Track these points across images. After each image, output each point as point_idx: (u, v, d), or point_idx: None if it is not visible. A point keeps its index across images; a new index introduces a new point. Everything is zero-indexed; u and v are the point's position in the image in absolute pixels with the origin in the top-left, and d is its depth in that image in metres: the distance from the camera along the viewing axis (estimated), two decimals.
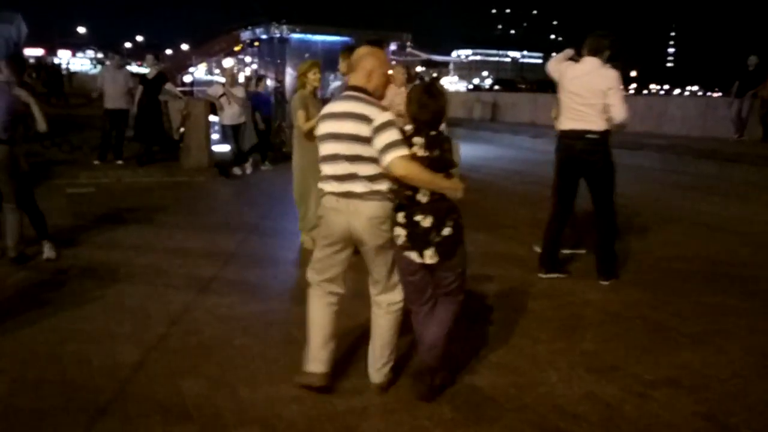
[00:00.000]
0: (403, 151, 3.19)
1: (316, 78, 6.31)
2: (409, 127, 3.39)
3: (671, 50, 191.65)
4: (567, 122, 5.68)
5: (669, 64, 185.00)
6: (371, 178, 3.28)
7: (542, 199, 7.82)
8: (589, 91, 5.48)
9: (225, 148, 11.84)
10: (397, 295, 3.57)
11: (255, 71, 15.16)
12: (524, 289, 5.53)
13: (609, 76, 5.47)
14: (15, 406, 3.35)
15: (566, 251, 6.50)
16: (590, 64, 5.61)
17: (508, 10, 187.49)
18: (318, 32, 15.11)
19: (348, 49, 5.91)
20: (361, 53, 3.47)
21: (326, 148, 3.40)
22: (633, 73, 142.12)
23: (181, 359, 3.96)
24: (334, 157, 3.34)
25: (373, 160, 3.26)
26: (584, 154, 5.59)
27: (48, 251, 5.97)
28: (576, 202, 5.95)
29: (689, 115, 17.67)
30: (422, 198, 3.33)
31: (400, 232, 3.36)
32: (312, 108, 6.12)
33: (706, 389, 3.78)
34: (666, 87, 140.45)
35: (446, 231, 3.34)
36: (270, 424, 3.25)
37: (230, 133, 11.21)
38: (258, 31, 15.87)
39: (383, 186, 3.31)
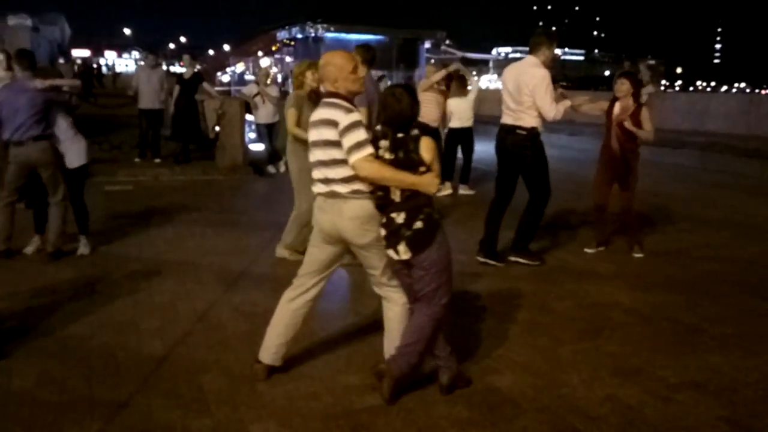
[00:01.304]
0: (366, 152, 3.30)
1: (315, 79, 5.99)
2: (378, 128, 3.47)
3: (718, 46, 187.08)
4: (503, 117, 5.99)
5: (716, 61, 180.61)
6: (349, 180, 3.39)
7: (575, 197, 7.73)
8: (517, 89, 5.75)
9: (260, 147, 11.96)
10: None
11: (291, 70, 15.29)
12: (550, 288, 5.47)
13: (535, 74, 5.69)
14: (39, 398, 3.44)
15: (590, 250, 6.59)
16: (524, 62, 5.93)
17: (549, 7, 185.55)
18: (352, 31, 15.21)
19: (360, 47, 5.91)
20: (321, 63, 3.57)
21: (312, 155, 3.55)
22: (678, 70, 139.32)
23: (205, 354, 4.03)
24: (317, 163, 3.50)
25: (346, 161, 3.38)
26: (513, 149, 5.88)
27: (83, 247, 6.12)
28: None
29: (732, 113, 17.23)
30: (396, 196, 3.39)
31: (381, 232, 3.44)
32: (307, 110, 5.83)
33: (733, 393, 3.69)
34: (713, 84, 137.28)
35: (417, 225, 3.37)
36: (286, 419, 3.28)
37: (265, 131, 11.33)
38: (294, 30, 16.04)
39: (362, 186, 3.40)
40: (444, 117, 9.83)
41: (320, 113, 3.48)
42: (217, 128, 11.74)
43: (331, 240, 3.56)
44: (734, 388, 3.75)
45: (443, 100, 9.73)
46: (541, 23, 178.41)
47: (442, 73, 9.58)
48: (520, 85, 5.73)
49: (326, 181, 3.45)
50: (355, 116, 3.36)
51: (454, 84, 9.86)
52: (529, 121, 5.77)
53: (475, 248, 6.22)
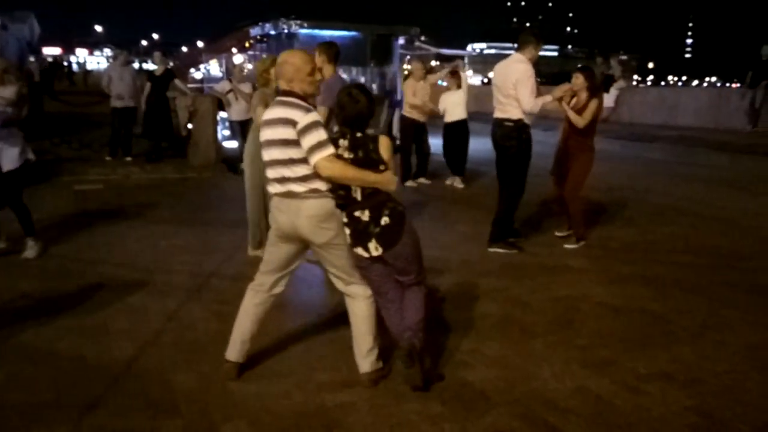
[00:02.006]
0: (327, 152, 3.32)
1: None
2: (336, 129, 3.50)
3: (689, 41, 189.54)
4: (495, 112, 6.27)
5: (687, 56, 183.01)
6: (306, 178, 3.38)
7: (545, 192, 7.78)
8: (504, 83, 6.07)
9: (233, 144, 11.87)
10: (368, 290, 3.66)
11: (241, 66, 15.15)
12: (522, 282, 5.50)
13: (519, 69, 6.02)
14: (7, 401, 3.38)
15: (562, 234, 6.91)
16: (511, 59, 6.23)
17: (523, 3, 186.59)
18: (325, 27, 15.06)
19: (324, 44, 5.85)
20: (279, 61, 3.56)
21: (266, 154, 3.52)
22: (650, 65, 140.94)
23: (175, 355, 3.98)
24: (272, 162, 3.48)
25: (306, 161, 3.37)
26: (502, 140, 6.18)
27: (29, 250, 5.92)
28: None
29: (702, 107, 17.45)
30: (357, 195, 3.41)
31: (347, 231, 3.46)
32: None
33: (702, 383, 3.74)
34: (684, 78, 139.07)
35: (384, 220, 3.40)
36: (258, 419, 3.26)
37: (238, 128, 11.23)
38: (267, 27, 15.83)
39: (321, 185, 3.40)
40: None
41: (276, 112, 3.46)
42: (190, 126, 11.64)
43: (289, 239, 3.55)
44: (703, 378, 3.80)
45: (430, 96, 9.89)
46: (515, 19, 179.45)
47: (443, 73, 10.16)
48: (507, 79, 6.04)
49: (282, 180, 3.43)
50: (314, 116, 3.37)
51: (450, 79, 10.10)
52: (516, 113, 6.05)
53: (450, 244, 6.26)
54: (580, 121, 6.29)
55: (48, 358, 3.90)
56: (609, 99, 16.71)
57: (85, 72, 44.74)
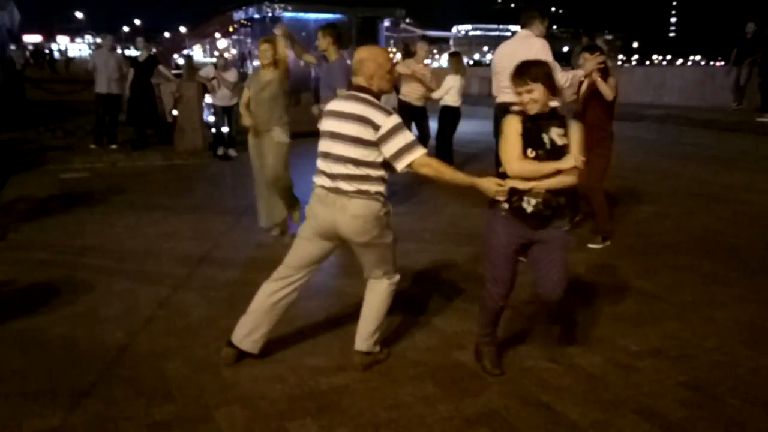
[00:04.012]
0: (419, 152, 3.29)
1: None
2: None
3: (673, 20, 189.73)
4: (500, 96, 5.79)
5: (671, 35, 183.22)
6: (360, 179, 3.32)
7: None
8: (515, 62, 5.45)
9: (224, 129, 11.76)
10: (396, 276, 3.67)
11: (242, 53, 15.01)
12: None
13: (534, 44, 5.48)
14: (0, 390, 3.36)
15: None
16: (518, 36, 5.74)
17: None
18: (310, 10, 14.95)
19: (328, 27, 5.81)
20: (360, 57, 3.45)
21: (324, 145, 3.44)
22: (635, 45, 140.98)
23: (167, 341, 3.97)
24: (329, 155, 3.39)
25: (367, 164, 3.31)
26: None
27: None
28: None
29: (687, 85, 17.54)
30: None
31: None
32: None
33: (693, 359, 3.77)
34: (669, 57, 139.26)
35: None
36: (252, 403, 3.25)
37: (221, 113, 11.13)
38: (250, 10, 15.71)
39: (371, 187, 3.34)
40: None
41: (348, 106, 3.37)
42: (175, 112, 11.53)
43: (327, 235, 3.48)
44: (694, 354, 3.84)
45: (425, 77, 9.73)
46: (500, 0, 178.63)
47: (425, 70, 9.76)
48: (520, 58, 5.48)
49: (334, 176, 3.36)
50: (396, 118, 3.30)
51: (453, 61, 9.99)
52: None
53: (440, 226, 6.22)
54: (609, 93, 5.74)
55: (39, 346, 3.87)
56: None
57: (67, 59, 44.26)
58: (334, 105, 3.48)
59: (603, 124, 5.85)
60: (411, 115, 9.61)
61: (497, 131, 5.60)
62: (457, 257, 5.67)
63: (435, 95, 9.69)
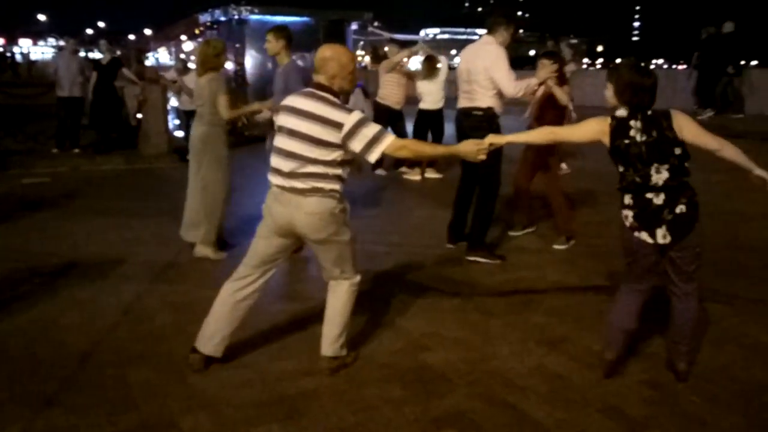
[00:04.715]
0: (389, 139, 3.29)
1: (225, 60, 5.79)
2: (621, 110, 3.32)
3: (636, 24, 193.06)
4: (460, 101, 5.78)
5: (635, 38, 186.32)
6: (316, 177, 3.31)
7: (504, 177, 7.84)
8: (473, 69, 5.55)
9: (182, 133, 11.66)
10: (356, 278, 3.65)
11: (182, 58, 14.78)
12: (481, 265, 5.56)
13: (491, 51, 5.50)
14: None
15: (516, 233, 6.55)
16: (480, 42, 5.73)
17: None
18: (277, 13, 14.86)
19: (281, 29, 5.70)
20: (324, 55, 3.42)
21: (280, 142, 3.41)
22: (600, 48, 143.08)
23: (131, 348, 3.90)
24: (284, 153, 3.36)
25: (324, 162, 3.30)
26: (471, 131, 5.48)
27: None
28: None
29: None
30: (657, 180, 3.29)
31: (629, 213, 3.35)
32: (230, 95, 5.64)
33: (654, 357, 3.84)
34: None
35: (680, 208, 3.31)
36: (217, 409, 3.22)
37: (183, 118, 11.01)
38: (216, 13, 15.58)
39: (326, 185, 3.34)
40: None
41: (306, 104, 3.34)
42: (139, 115, 11.39)
43: (283, 233, 3.46)
44: (655, 352, 3.90)
45: (406, 82, 9.64)
46: (467, 4, 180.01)
47: (404, 53, 9.55)
48: (476, 65, 5.54)
49: (288, 174, 3.33)
50: (358, 114, 3.29)
51: (424, 65, 9.64)
52: (485, 101, 5.57)
53: (408, 230, 6.25)
54: (564, 98, 5.98)
55: None
56: None
57: (29, 63, 43.39)
58: (292, 101, 3.43)
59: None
60: (389, 118, 9.52)
61: (460, 136, 5.65)
62: (424, 260, 5.69)
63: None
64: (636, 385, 3.50)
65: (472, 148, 3.46)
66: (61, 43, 16.16)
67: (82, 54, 14.22)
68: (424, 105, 9.66)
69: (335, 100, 3.35)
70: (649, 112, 3.34)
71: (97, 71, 11.43)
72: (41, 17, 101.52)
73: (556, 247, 6.06)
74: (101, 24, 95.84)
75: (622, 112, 3.36)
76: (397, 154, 3.37)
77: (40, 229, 6.60)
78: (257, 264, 3.57)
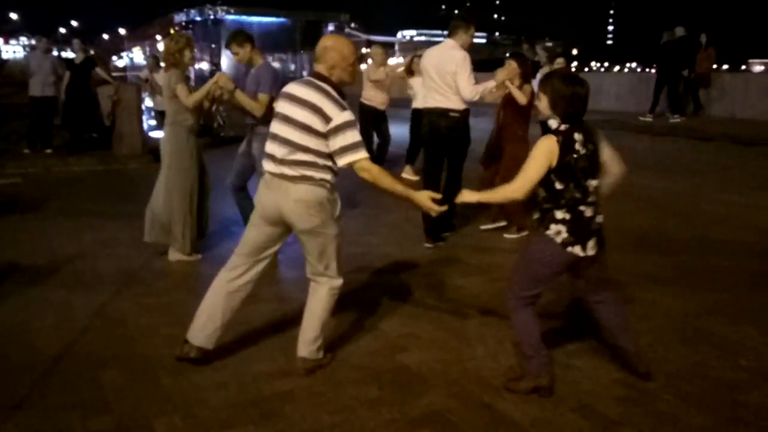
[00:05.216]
0: (361, 154, 3.30)
1: (191, 58, 5.59)
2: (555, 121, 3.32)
3: (610, 28, 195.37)
4: (430, 100, 5.97)
5: (609, 42, 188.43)
6: (306, 165, 3.32)
7: (473, 174, 7.89)
8: (442, 73, 5.79)
9: (159, 133, 11.54)
10: (338, 281, 3.63)
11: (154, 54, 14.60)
12: (456, 265, 5.58)
13: (455, 56, 5.76)
14: None
15: (487, 227, 6.67)
16: (443, 46, 5.97)
17: None
18: (254, 13, 14.82)
19: (240, 34, 5.65)
20: (325, 45, 3.43)
21: (275, 127, 3.43)
22: (574, 52, 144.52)
23: (104, 350, 3.86)
24: (278, 138, 3.39)
25: (315, 152, 3.31)
26: (448, 131, 5.91)
27: None
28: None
29: (623, 91, 18.07)
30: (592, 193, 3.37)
31: (562, 228, 3.31)
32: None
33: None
34: (606, 64, 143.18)
35: (600, 218, 3.42)
36: (192, 412, 3.19)
37: (159, 118, 10.92)
38: (192, 13, 15.49)
39: (316, 174, 3.34)
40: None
41: (304, 92, 3.36)
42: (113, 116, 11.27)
43: (272, 220, 3.46)
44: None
45: (390, 83, 9.75)
46: (443, 6, 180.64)
47: (405, 63, 9.83)
48: (443, 69, 5.76)
49: (281, 161, 3.34)
50: (350, 114, 3.29)
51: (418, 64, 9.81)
52: (460, 103, 5.83)
53: (393, 229, 6.26)
54: (522, 99, 6.20)
55: None
56: (535, 84, 17.01)
57: (0, 62, 42.66)
58: (291, 88, 3.45)
59: (516, 126, 6.42)
60: (374, 119, 9.61)
61: (435, 135, 6.02)
62: (402, 261, 5.70)
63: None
64: (610, 384, 3.54)
65: (428, 203, 3.46)
66: (33, 42, 15.92)
67: (55, 53, 14.01)
68: (417, 104, 9.68)
69: (333, 92, 3.35)
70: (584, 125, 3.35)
71: (71, 71, 11.29)
72: (13, 16, 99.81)
73: (507, 236, 6.43)
74: (74, 23, 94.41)
75: (557, 124, 3.31)
76: (359, 173, 3.36)
77: (12, 230, 6.50)
78: (248, 252, 3.56)
